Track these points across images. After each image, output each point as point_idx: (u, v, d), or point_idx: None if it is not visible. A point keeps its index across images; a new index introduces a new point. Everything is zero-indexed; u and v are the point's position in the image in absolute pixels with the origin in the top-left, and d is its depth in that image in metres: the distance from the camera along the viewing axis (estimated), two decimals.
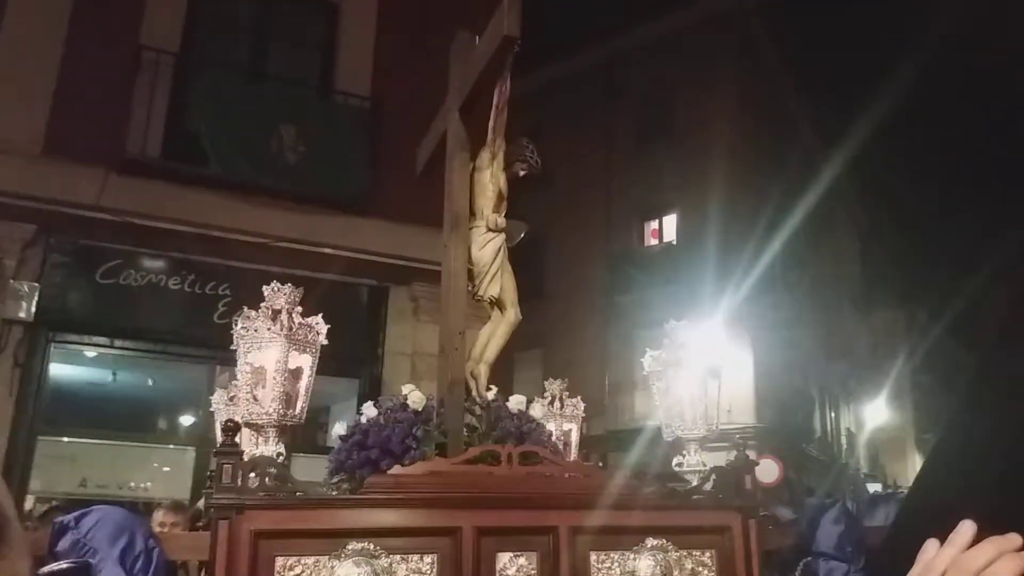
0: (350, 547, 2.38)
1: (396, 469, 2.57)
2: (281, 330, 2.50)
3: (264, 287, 2.62)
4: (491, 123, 3.37)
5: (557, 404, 3.72)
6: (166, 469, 8.87)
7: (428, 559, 2.45)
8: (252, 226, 7.54)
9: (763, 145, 18.91)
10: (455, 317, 3.33)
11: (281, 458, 2.44)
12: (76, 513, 2.13)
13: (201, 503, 4.80)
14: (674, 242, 19.29)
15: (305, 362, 2.58)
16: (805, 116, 22.08)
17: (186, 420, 10.30)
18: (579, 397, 3.93)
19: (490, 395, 3.33)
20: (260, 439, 2.46)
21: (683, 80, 19.00)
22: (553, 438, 3.35)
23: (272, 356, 2.49)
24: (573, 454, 3.49)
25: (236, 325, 2.58)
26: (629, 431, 17.65)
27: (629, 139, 19.25)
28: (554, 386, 3.95)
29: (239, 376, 2.54)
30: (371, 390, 7.78)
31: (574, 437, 3.71)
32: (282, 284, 2.57)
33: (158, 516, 4.74)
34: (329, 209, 7.84)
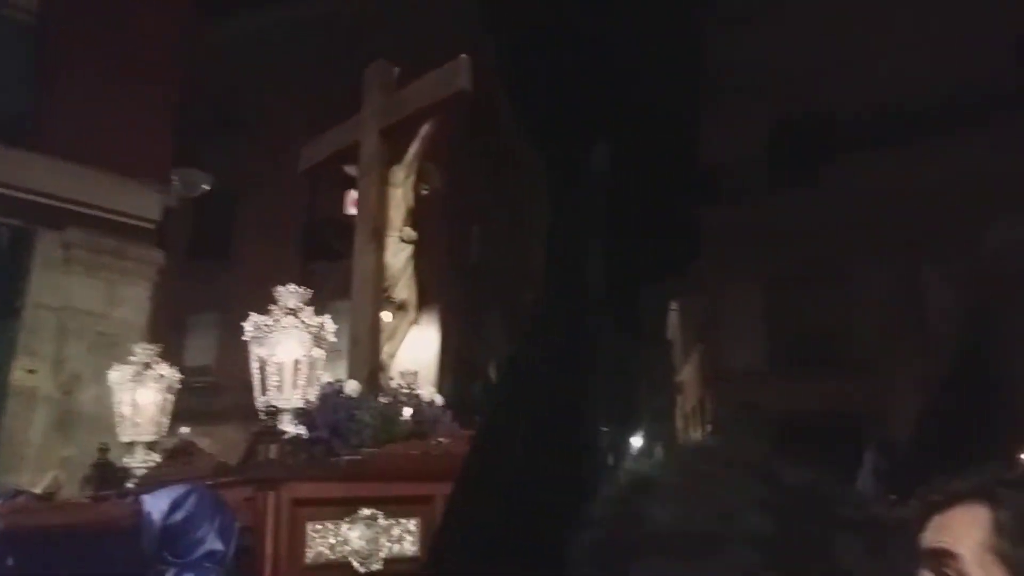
0: (360, 512, 3.20)
1: (391, 448, 3.40)
2: (303, 326, 3.17)
3: (279, 288, 3.25)
4: (416, 149, 4.17)
5: None
6: None
7: (413, 522, 3.36)
8: None
9: (475, 116, 20.64)
10: (368, 317, 4.08)
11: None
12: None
13: None
14: None
15: (320, 355, 3.27)
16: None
17: None
18: None
19: (393, 384, 4.16)
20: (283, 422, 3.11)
21: (396, 42, 20.01)
22: None
23: (293, 350, 3.16)
24: None
25: (251, 321, 3.18)
26: None
27: (343, 101, 19.83)
28: None
29: (257, 365, 3.15)
30: (6, 345, 7.30)
31: None
32: None
33: None
34: None
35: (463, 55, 3.81)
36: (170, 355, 3.91)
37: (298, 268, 20.00)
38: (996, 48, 14.00)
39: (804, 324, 16.14)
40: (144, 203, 8.09)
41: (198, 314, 19.06)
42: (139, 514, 2.67)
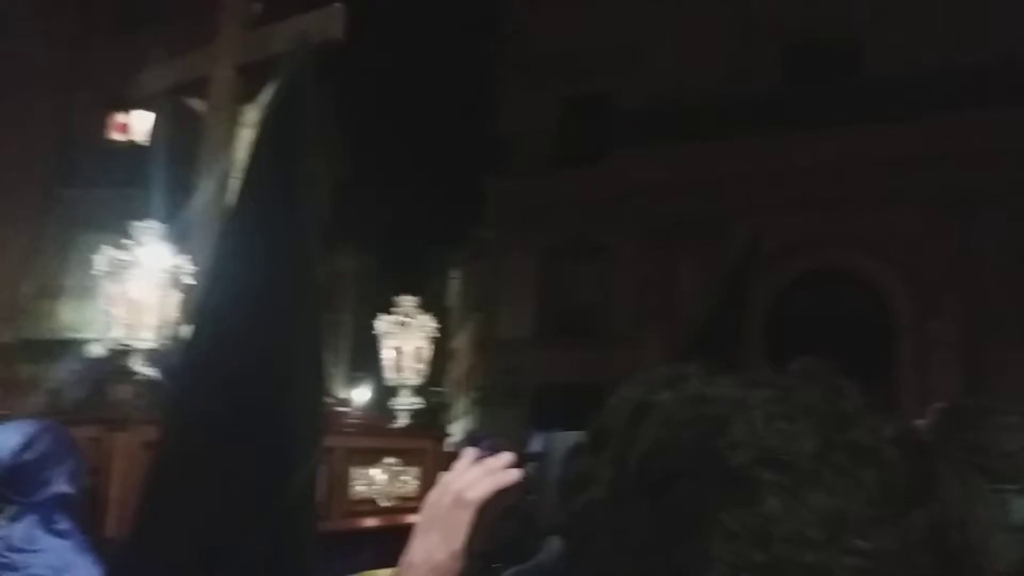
0: None
1: None
2: (160, 265, 3.05)
3: (135, 222, 3.10)
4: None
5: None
6: None
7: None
8: None
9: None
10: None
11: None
12: None
13: None
14: (144, 141, 18.85)
15: (176, 296, 3.14)
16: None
17: None
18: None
19: None
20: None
21: None
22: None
23: (149, 288, 3.03)
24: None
25: (104, 255, 3.03)
26: (49, 342, 16.94)
27: (112, 19, 18.13)
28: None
29: (110, 303, 2.99)
30: None
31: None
32: None
33: None
34: None
35: (337, 3, 3.78)
36: None
37: (44, 192, 18.21)
38: (768, 58, 15.53)
39: (570, 298, 17.11)
40: None
41: None
42: None
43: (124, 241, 3.11)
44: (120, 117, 18.87)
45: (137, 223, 3.14)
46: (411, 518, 4.20)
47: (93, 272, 3.08)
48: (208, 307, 2.10)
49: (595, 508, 0.59)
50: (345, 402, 5.71)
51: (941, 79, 13.06)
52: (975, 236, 13.13)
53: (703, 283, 14.27)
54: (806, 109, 14.58)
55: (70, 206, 17.94)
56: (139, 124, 18.80)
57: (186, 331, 2.42)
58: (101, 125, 18.85)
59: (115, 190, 17.39)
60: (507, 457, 1.02)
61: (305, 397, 2.04)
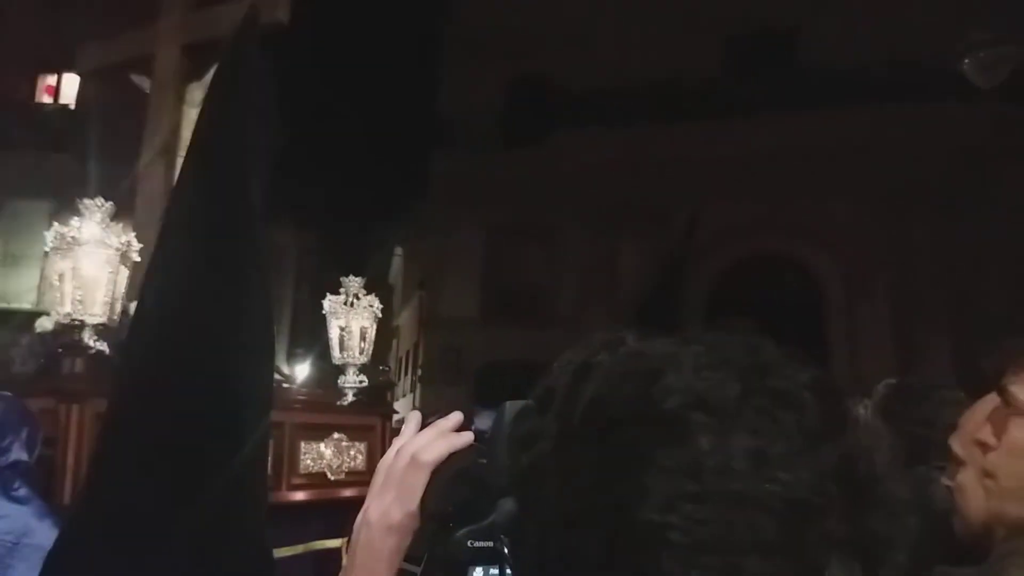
0: None
1: None
2: (110, 243, 3.10)
3: (82, 200, 3.13)
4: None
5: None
6: None
7: None
8: None
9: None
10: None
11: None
12: None
13: None
14: (71, 106, 18.36)
15: (125, 273, 3.19)
16: None
17: None
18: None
19: None
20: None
21: None
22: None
23: (99, 265, 3.07)
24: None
25: (54, 231, 3.06)
26: None
27: None
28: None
29: (59, 277, 3.03)
30: None
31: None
32: None
33: None
34: None
35: None
36: None
37: None
38: (713, 46, 15.81)
39: (515, 277, 17.26)
40: None
41: None
42: None
43: (72, 216, 3.14)
44: (49, 79, 18.29)
45: (87, 199, 3.16)
46: (359, 492, 4.33)
47: (27, 240, 3.11)
48: (155, 283, 2.15)
49: (542, 462, 0.71)
50: (290, 378, 5.76)
51: (880, 71, 13.46)
52: (907, 223, 13.64)
53: (645, 265, 14.51)
54: (750, 97, 14.90)
55: None
56: (68, 87, 18.23)
57: (135, 306, 2.49)
58: (29, 86, 18.28)
59: (43, 154, 16.90)
60: (457, 418, 1.04)
61: (253, 371, 2.11)
